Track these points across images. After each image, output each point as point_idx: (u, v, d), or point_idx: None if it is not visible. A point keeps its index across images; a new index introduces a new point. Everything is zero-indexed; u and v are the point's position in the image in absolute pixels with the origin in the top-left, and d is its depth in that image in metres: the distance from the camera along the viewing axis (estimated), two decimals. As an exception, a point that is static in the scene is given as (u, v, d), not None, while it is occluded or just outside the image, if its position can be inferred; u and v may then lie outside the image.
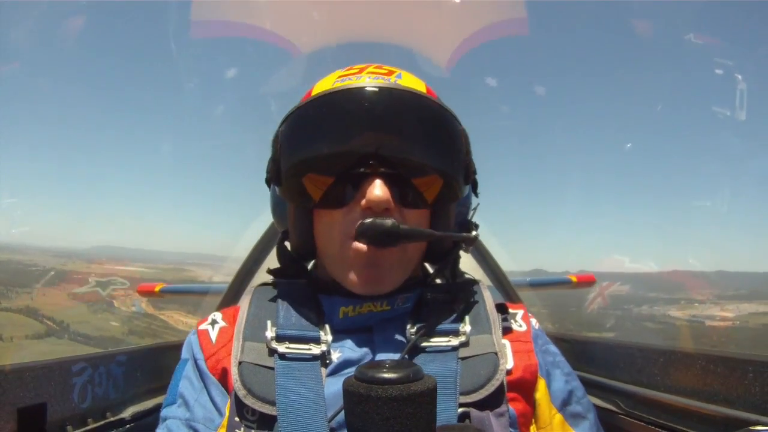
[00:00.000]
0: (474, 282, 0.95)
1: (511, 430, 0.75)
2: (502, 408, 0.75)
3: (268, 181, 0.92)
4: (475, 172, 0.91)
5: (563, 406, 0.84)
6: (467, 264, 1.76)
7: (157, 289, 4.31)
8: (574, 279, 4.20)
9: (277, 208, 0.95)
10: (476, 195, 0.95)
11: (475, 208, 0.95)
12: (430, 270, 0.99)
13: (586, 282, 4.31)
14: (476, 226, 0.91)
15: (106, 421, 1.15)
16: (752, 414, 0.89)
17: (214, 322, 0.89)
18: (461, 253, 0.92)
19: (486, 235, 1.72)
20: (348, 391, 0.55)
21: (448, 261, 0.91)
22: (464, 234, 0.87)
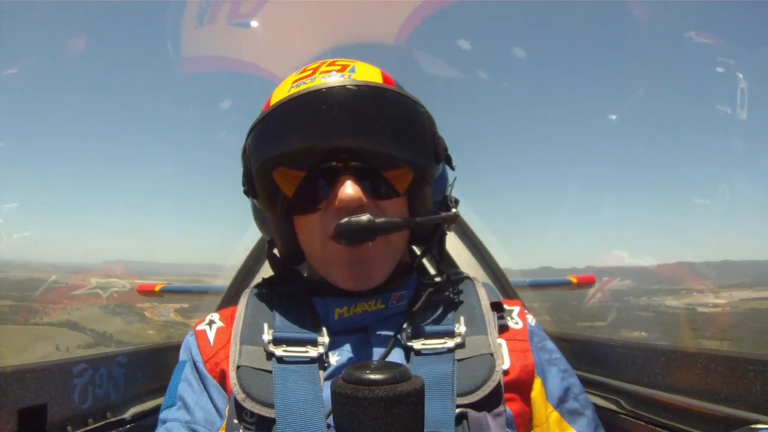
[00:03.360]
0: (469, 280, 0.94)
1: (508, 430, 0.75)
2: (500, 408, 0.74)
3: (246, 193, 0.92)
4: (446, 149, 0.89)
5: (560, 403, 0.84)
6: (465, 260, 1.76)
7: (157, 288, 4.32)
8: (574, 280, 4.20)
9: (259, 218, 0.96)
10: (452, 168, 0.93)
11: (452, 183, 0.94)
12: (418, 252, 0.98)
13: (586, 283, 4.31)
14: (456, 202, 0.91)
15: (107, 421, 1.16)
16: (753, 413, 0.88)
17: (211, 323, 0.89)
18: (459, 250, 0.92)
19: (483, 232, 1.73)
20: (335, 393, 0.56)
21: (433, 241, 0.90)
22: (444, 214, 0.85)
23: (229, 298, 1.76)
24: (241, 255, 1.83)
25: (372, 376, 0.54)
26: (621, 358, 1.25)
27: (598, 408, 0.90)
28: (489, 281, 1.68)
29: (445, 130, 0.91)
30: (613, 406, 1.20)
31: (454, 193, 0.93)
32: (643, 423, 1.10)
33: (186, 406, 0.80)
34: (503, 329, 0.86)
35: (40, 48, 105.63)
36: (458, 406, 0.72)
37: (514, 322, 0.88)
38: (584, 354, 1.38)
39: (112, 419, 1.17)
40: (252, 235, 1.85)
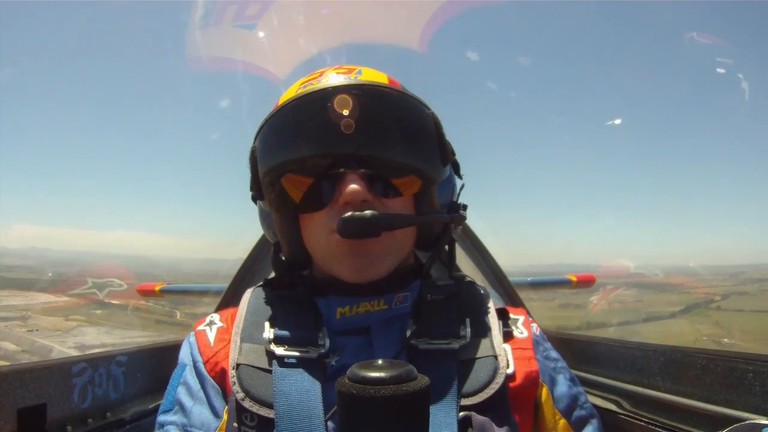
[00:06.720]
0: (475, 285, 0.94)
1: None
2: (504, 413, 0.74)
3: (254, 198, 0.92)
4: (453, 153, 0.89)
5: (568, 411, 0.83)
6: (468, 265, 1.76)
7: (157, 288, 4.31)
8: (573, 279, 4.20)
9: (265, 221, 0.96)
10: (459, 177, 0.94)
11: (460, 190, 0.94)
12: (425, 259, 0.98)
13: (586, 282, 4.30)
14: (464, 207, 0.90)
15: (106, 421, 1.15)
16: (752, 414, 0.89)
17: (211, 323, 0.88)
18: (461, 253, 0.91)
19: (485, 234, 1.73)
20: (339, 392, 0.55)
21: (440, 245, 0.89)
22: (451, 214, 0.85)
23: (229, 298, 1.75)
24: (241, 254, 1.83)
25: (377, 375, 0.53)
26: (621, 358, 1.25)
27: (597, 408, 0.90)
28: (491, 283, 1.68)
29: (453, 139, 0.91)
30: (613, 406, 1.20)
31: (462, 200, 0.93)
32: (642, 423, 1.10)
33: (183, 410, 0.80)
34: (508, 336, 0.85)
35: (37, 49, 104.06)
36: (462, 408, 0.71)
37: (519, 332, 0.87)
38: (584, 354, 1.38)
39: (112, 419, 1.17)
40: (252, 234, 1.84)
